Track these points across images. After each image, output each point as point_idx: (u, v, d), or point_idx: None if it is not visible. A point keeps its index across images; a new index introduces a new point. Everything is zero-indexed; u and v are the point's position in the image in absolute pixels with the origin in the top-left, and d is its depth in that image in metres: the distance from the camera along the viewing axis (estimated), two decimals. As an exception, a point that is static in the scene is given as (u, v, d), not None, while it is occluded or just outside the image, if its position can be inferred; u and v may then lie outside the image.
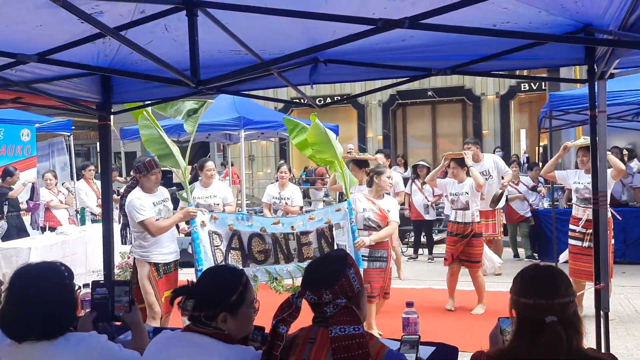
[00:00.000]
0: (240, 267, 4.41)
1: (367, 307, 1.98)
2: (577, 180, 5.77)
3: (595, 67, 3.17)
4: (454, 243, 6.19)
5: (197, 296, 1.92)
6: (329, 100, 13.44)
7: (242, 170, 11.25)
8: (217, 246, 4.93)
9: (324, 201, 13.39)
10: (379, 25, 2.02)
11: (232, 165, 15.34)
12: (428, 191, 8.97)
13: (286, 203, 7.28)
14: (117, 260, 7.05)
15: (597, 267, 3.27)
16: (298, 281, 4.56)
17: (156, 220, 4.68)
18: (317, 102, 4.38)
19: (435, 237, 10.23)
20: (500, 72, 3.61)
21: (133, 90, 3.99)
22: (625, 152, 9.75)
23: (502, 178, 7.79)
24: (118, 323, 2.62)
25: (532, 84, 18.24)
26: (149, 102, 4.67)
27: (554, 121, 8.17)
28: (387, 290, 5.30)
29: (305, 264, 4.66)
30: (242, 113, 9.98)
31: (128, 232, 4.86)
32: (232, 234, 4.93)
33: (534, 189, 9.19)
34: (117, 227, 6.52)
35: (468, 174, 6.19)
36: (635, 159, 10.22)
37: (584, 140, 5.81)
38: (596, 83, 3.21)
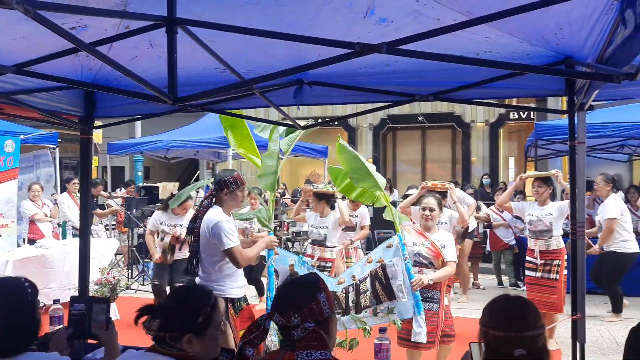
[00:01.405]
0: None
1: (336, 333, 1.96)
2: (530, 212, 5.84)
3: (575, 98, 3.21)
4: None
5: (163, 316, 1.89)
6: (319, 122, 13.47)
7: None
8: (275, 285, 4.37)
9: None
10: (357, 50, 2.03)
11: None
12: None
13: (253, 228, 7.25)
14: (97, 275, 6.95)
15: (574, 298, 3.26)
16: (352, 332, 4.34)
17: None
18: (303, 123, 4.40)
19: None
20: (483, 100, 3.63)
21: (116, 105, 3.98)
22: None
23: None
24: (94, 341, 2.56)
25: (521, 113, 18.43)
26: (137, 116, 4.65)
27: (541, 150, 8.25)
28: (447, 333, 4.53)
29: (361, 315, 4.31)
30: (231, 131, 9.97)
31: (196, 262, 4.00)
32: (290, 275, 4.35)
33: (518, 217, 9.21)
34: (94, 241, 6.36)
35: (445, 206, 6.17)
36: (620, 191, 10.31)
37: (553, 171, 5.93)
38: (576, 114, 3.24)
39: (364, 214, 7.65)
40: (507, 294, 1.92)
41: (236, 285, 3.94)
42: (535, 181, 5.86)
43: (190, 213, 6.10)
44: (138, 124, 14.78)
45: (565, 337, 5.25)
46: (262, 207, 4.88)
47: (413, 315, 4.19)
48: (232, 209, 4.00)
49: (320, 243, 6.36)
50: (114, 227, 10.45)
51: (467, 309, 7.13)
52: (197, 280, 4.00)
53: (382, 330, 2.62)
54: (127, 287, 8.03)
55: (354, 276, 4.46)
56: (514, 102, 14.59)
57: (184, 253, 6.22)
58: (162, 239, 6.29)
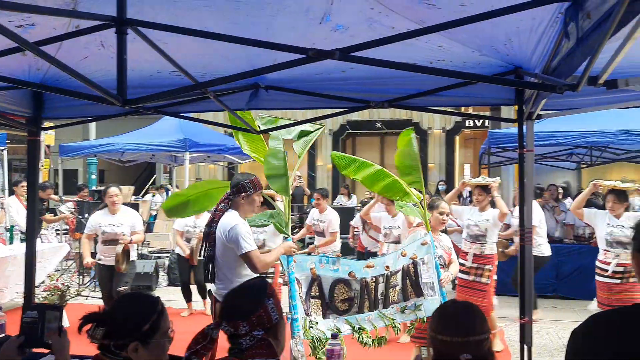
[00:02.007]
0: (319, 318, 4.00)
1: (284, 338, 1.94)
2: (469, 217, 6.04)
3: (524, 107, 3.30)
4: None
5: (108, 324, 1.83)
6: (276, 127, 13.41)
7: (186, 192, 11.03)
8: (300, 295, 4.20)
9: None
10: (310, 55, 2.04)
11: (177, 187, 15.05)
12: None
13: (201, 231, 7.10)
14: (45, 282, 6.73)
15: (522, 302, 3.34)
16: (381, 331, 4.27)
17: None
18: (257, 128, 4.36)
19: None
20: (436, 108, 3.70)
21: (65, 107, 3.86)
22: (560, 190, 10.17)
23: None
24: (45, 350, 2.46)
25: (476, 121, 18.86)
26: (89, 118, 4.52)
27: (494, 157, 8.45)
28: None
29: (388, 311, 4.27)
30: (188, 135, 9.87)
31: (212, 267, 3.86)
32: (312, 279, 4.16)
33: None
34: (42, 246, 6.12)
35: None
36: (569, 197, 10.66)
37: (481, 179, 6.10)
38: (525, 123, 3.34)
39: (332, 220, 7.43)
40: (455, 299, 1.95)
41: None
42: (475, 188, 6.05)
43: (123, 209, 6.21)
44: (92, 125, 14.43)
45: (516, 339, 5.37)
46: (276, 211, 4.62)
47: None
48: (248, 213, 3.89)
49: (260, 247, 6.27)
50: (65, 231, 10.13)
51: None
52: (214, 287, 3.85)
53: (334, 336, 2.62)
54: (78, 294, 7.80)
55: (387, 266, 4.41)
56: (470, 110, 14.92)
57: (132, 255, 6.13)
58: (103, 242, 6.07)
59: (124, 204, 6.51)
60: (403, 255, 4.47)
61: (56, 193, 10.65)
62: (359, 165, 4.92)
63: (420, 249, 4.49)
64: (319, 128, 4.56)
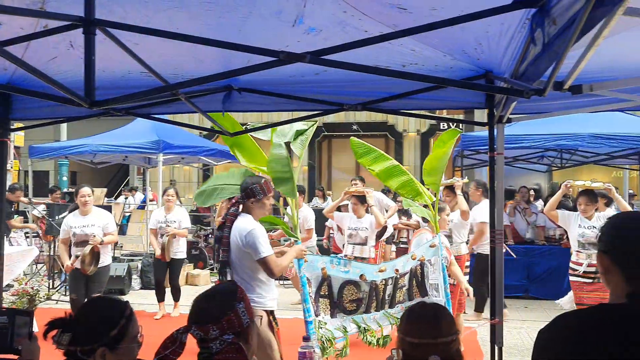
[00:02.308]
0: (327, 317, 4.03)
1: (256, 342, 1.93)
2: None
3: (495, 111, 3.35)
4: None
5: (74, 329, 1.80)
6: (250, 128, 13.37)
7: (159, 195, 10.94)
8: (309, 294, 4.16)
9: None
10: (281, 58, 2.04)
11: (150, 189, 14.89)
12: None
13: (168, 225, 7.24)
14: (15, 286, 6.59)
15: (492, 303, 3.39)
16: (386, 329, 4.27)
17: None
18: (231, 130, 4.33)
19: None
20: (409, 111, 3.73)
21: (34, 107, 3.79)
22: (532, 192, 10.33)
23: (386, 212, 8.00)
24: (14, 356, 2.40)
25: (450, 124, 19.05)
26: (58, 119, 4.45)
27: (467, 160, 8.54)
28: None
29: (393, 310, 4.30)
30: (162, 136, 9.76)
31: (228, 272, 3.76)
32: (323, 279, 4.15)
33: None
34: (10, 249, 5.98)
35: (367, 211, 6.26)
36: (540, 199, 10.84)
37: (451, 180, 6.20)
38: (495, 126, 3.38)
39: (306, 216, 7.45)
40: (424, 301, 1.97)
41: (274, 297, 3.76)
42: (444, 189, 6.15)
43: (95, 210, 6.08)
44: (64, 127, 14.17)
45: (488, 339, 5.44)
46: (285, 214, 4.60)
47: None
48: (259, 216, 3.82)
49: None
50: (35, 234, 9.93)
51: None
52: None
53: (306, 339, 2.62)
54: (48, 298, 7.66)
55: (397, 269, 4.44)
56: (444, 113, 15.07)
57: (102, 261, 5.93)
58: (75, 244, 5.89)
59: (97, 206, 6.42)
60: (413, 259, 4.54)
61: (26, 195, 10.44)
62: (376, 156, 4.92)
63: (429, 251, 4.58)
64: (313, 124, 4.49)
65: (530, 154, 9.09)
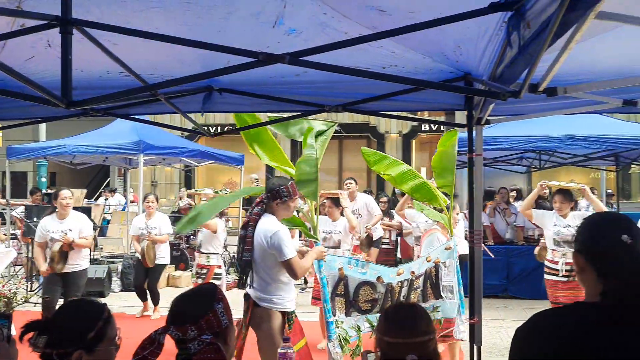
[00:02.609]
0: (342, 316, 4.02)
1: (235, 343, 1.93)
2: (418, 219, 6.23)
3: (473, 112, 3.39)
4: None
5: (51, 331, 1.78)
6: (231, 129, 13.36)
7: (141, 196, 10.85)
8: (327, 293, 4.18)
9: (226, 231, 13.14)
10: (260, 59, 2.04)
11: (131, 190, 14.76)
12: None
13: (149, 232, 7.22)
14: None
15: (471, 303, 3.42)
16: None
17: None
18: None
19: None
20: (388, 113, 3.75)
21: (11, 107, 3.74)
22: (513, 193, 10.46)
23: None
24: None
25: (431, 125, 19.19)
26: (29, 120, 4.39)
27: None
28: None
29: None
30: (143, 137, 9.68)
31: (250, 272, 3.75)
32: (339, 279, 4.16)
33: (428, 224, 9.58)
34: None
35: (342, 214, 6.25)
36: (521, 200, 10.96)
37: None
38: (474, 127, 3.42)
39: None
40: (401, 302, 1.98)
41: (292, 298, 3.78)
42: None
43: (73, 214, 5.92)
44: (42, 127, 13.99)
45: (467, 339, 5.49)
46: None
47: (457, 314, 4.38)
48: (283, 217, 3.82)
49: (198, 249, 6.49)
50: (13, 236, 9.77)
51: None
52: (252, 292, 3.74)
53: (286, 340, 2.62)
54: (26, 300, 7.55)
55: (413, 272, 4.46)
56: (426, 114, 15.17)
57: (79, 264, 5.87)
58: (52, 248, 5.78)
59: (76, 208, 6.36)
60: (428, 261, 4.57)
61: (3, 196, 10.28)
62: (389, 163, 4.94)
63: (444, 253, 4.61)
64: (333, 125, 4.44)
65: (510, 156, 9.19)
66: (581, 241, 1.46)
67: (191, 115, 3.87)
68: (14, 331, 5.24)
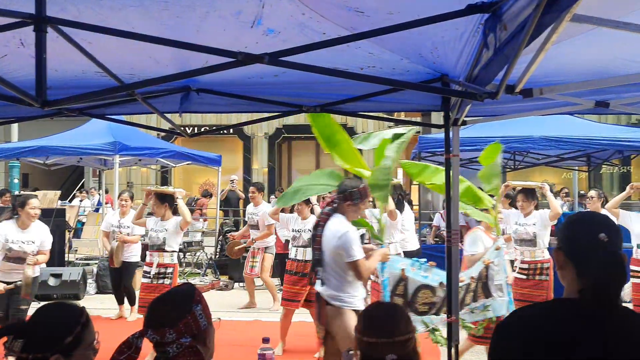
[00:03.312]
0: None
1: (214, 345, 1.92)
2: (370, 220, 6.13)
3: (450, 113, 3.43)
4: (294, 282, 6.02)
5: (27, 335, 1.74)
6: (209, 129, 13.28)
7: (116, 197, 10.70)
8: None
9: (203, 232, 13.06)
10: (239, 59, 2.03)
11: (107, 192, 14.56)
12: None
13: (120, 232, 7.05)
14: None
15: (449, 302, 3.46)
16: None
17: None
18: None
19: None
20: (366, 113, 3.77)
21: (-19, 107, 3.66)
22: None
23: None
24: None
25: (407, 127, 19.34)
26: (7, 120, 4.31)
27: (424, 161, 8.67)
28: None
29: (462, 312, 4.29)
30: (118, 138, 9.57)
31: (320, 271, 3.78)
32: (400, 279, 4.16)
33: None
34: None
35: (312, 212, 6.27)
36: (496, 200, 11.09)
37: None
38: (451, 128, 3.46)
39: (266, 213, 7.49)
40: (380, 301, 1.99)
41: (361, 296, 3.79)
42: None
43: (36, 224, 5.32)
44: (15, 127, 13.71)
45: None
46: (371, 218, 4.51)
47: (506, 311, 4.36)
48: (352, 219, 3.83)
49: (159, 248, 5.77)
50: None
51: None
52: (322, 290, 3.73)
53: (266, 340, 2.61)
54: None
55: (472, 277, 4.49)
56: (402, 115, 15.27)
57: (36, 271, 5.35)
58: (8, 259, 5.16)
59: (50, 209, 6.20)
60: (484, 264, 4.57)
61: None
62: (433, 171, 4.95)
63: (493, 253, 4.64)
64: (412, 129, 4.43)
65: (485, 156, 9.30)
66: (561, 238, 1.49)
67: (168, 116, 3.85)
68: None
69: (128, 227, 7.05)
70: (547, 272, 5.68)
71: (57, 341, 1.72)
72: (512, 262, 5.73)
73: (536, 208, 5.91)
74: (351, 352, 2.19)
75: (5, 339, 1.75)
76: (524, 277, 5.68)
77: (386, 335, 1.83)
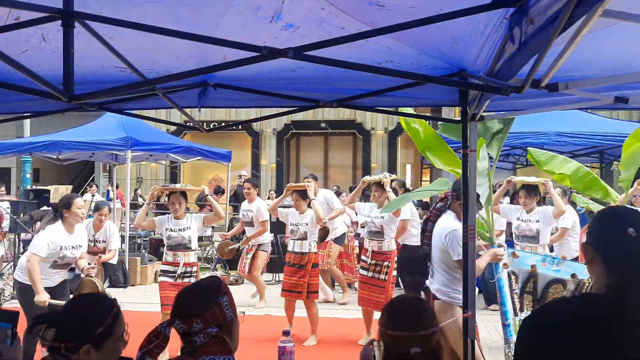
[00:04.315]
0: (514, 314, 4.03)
1: (238, 337, 1.94)
2: (368, 213, 6.21)
3: (468, 108, 3.42)
4: (292, 274, 6.22)
5: (59, 325, 1.77)
6: (223, 125, 13.29)
7: (128, 192, 10.79)
8: (514, 290, 4.20)
9: (213, 227, 13.11)
10: (264, 53, 2.04)
11: (117, 187, 14.63)
12: None
13: (96, 245, 6.33)
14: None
15: (465, 296, 3.46)
16: None
17: None
18: (208, 127, 4.32)
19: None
20: (384, 108, 3.77)
21: (4, 101, 3.68)
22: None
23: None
24: None
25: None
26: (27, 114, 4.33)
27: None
28: None
29: None
30: (130, 133, 9.63)
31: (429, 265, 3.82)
32: (530, 276, 4.15)
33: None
34: None
35: (309, 206, 6.35)
36: (507, 196, 11.06)
37: (381, 176, 6.30)
38: (468, 124, 3.45)
39: (260, 208, 7.62)
40: (404, 294, 2.00)
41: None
42: (373, 186, 6.24)
43: (78, 225, 4.93)
44: (27, 122, 13.81)
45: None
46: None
47: None
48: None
49: (186, 247, 5.62)
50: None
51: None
52: (431, 285, 3.76)
53: (286, 333, 2.63)
54: (13, 297, 7.48)
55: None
56: (412, 111, 15.24)
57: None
58: (55, 266, 4.77)
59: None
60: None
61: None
62: (561, 161, 4.93)
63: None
64: (510, 121, 4.39)
65: (497, 152, 9.27)
66: (590, 233, 1.49)
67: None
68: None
69: (103, 241, 6.25)
70: None
71: (88, 332, 1.75)
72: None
73: (538, 204, 5.94)
74: (372, 345, 2.19)
75: (39, 327, 1.78)
76: None
77: (410, 329, 1.83)
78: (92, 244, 6.10)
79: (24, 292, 4.75)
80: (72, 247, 4.82)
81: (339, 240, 8.25)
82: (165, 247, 5.74)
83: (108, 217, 6.51)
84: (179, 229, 5.62)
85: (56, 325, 1.75)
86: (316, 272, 6.31)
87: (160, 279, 5.71)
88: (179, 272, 5.52)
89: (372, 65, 3.13)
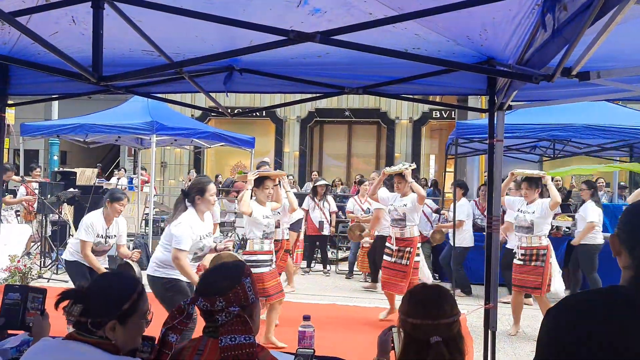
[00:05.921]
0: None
1: (259, 321, 1.95)
2: (392, 202, 6.44)
3: (496, 98, 3.37)
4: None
5: (86, 301, 1.81)
6: (248, 110, 13.35)
7: (153, 176, 10.92)
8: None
9: (235, 213, 13.20)
10: (291, 37, 2.04)
11: (144, 170, 14.81)
12: (325, 207, 9.48)
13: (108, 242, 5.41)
14: (6, 263, 6.57)
15: (487, 289, 3.43)
16: None
17: None
18: (232, 112, 4.34)
19: (342, 255, 10.54)
20: (410, 96, 3.74)
21: (33, 83, 3.75)
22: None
23: None
24: (24, 332, 2.43)
25: (443, 112, 19.09)
26: (55, 96, 4.40)
27: (460, 148, 8.57)
28: None
29: None
30: (156, 117, 9.71)
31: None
32: None
33: (437, 211, 9.60)
34: (5, 228, 5.80)
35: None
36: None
37: (401, 166, 6.40)
38: (496, 113, 3.41)
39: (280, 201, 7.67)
40: (425, 283, 1.99)
41: None
42: (395, 176, 6.39)
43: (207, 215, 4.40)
44: (55, 105, 14.03)
45: (477, 325, 5.52)
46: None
47: None
48: None
49: (270, 235, 5.33)
50: (17, 213, 9.81)
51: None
52: None
53: (306, 318, 2.64)
54: (39, 276, 7.65)
55: None
56: (438, 100, 15.10)
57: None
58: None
59: (89, 186, 6.28)
60: None
61: (17, 174, 10.35)
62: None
63: None
64: None
65: (523, 144, 9.12)
66: (618, 225, 1.47)
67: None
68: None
69: (114, 236, 5.25)
70: (543, 259, 5.83)
71: (114, 308, 1.78)
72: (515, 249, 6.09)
73: (541, 196, 5.94)
74: (391, 330, 2.19)
75: (65, 303, 1.81)
76: (522, 262, 5.87)
77: (431, 318, 1.83)
78: (104, 240, 5.06)
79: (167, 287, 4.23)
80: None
81: (295, 226, 8.18)
82: (259, 236, 5.21)
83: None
84: (270, 216, 5.33)
85: (83, 301, 1.79)
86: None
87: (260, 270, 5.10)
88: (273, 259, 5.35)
89: (399, 50, 3.11)
